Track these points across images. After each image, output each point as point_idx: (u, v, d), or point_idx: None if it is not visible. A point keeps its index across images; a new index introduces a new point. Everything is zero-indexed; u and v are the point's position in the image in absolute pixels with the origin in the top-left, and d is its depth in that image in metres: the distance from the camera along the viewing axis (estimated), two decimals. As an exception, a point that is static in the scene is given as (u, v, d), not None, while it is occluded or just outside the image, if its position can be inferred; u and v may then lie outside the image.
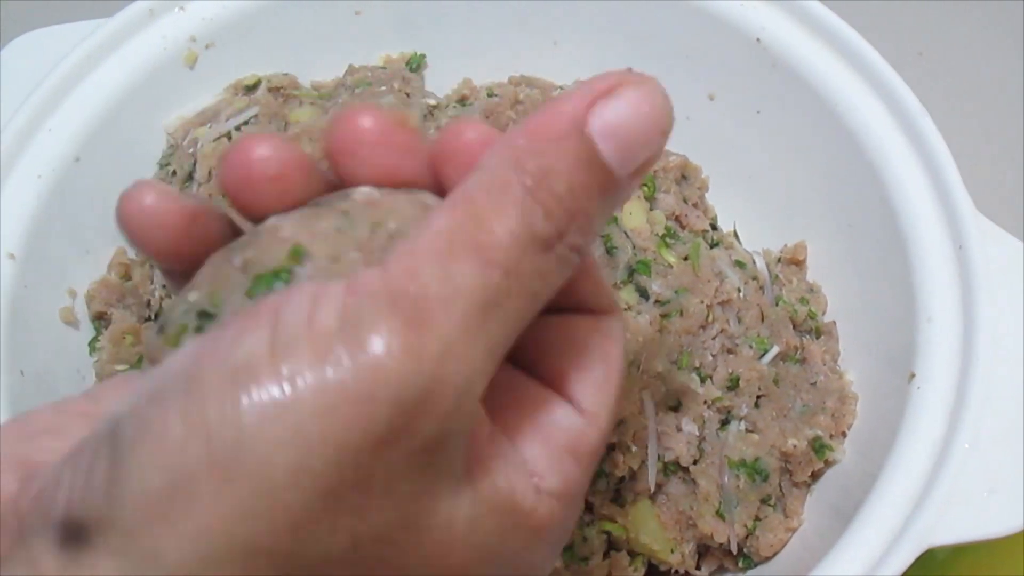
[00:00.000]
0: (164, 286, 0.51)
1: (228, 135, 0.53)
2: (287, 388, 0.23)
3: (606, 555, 0.47)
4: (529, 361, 0.30)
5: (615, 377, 0.30)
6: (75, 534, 0.24)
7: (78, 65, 0.52)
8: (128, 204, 0.29)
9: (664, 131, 0.27)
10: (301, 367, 0.23)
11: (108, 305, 0.52)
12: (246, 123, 0.53)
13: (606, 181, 0.27)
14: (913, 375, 0.45)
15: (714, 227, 0.55)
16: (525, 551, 0.28)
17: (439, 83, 0.59)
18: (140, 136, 0.54)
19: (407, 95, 0.54)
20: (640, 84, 0.27)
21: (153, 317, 0.52)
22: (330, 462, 0.23)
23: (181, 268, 0.30)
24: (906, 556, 0.40)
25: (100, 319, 0.52)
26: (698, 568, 0.49)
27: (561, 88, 0.57)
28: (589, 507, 0.46)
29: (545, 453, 0.28)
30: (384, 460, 0.24)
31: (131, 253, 0.54)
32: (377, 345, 0.23)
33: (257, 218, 0.29)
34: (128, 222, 0.29)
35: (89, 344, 0.52)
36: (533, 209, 0.25)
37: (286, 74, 0.57)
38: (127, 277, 0.53)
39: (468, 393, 0.25)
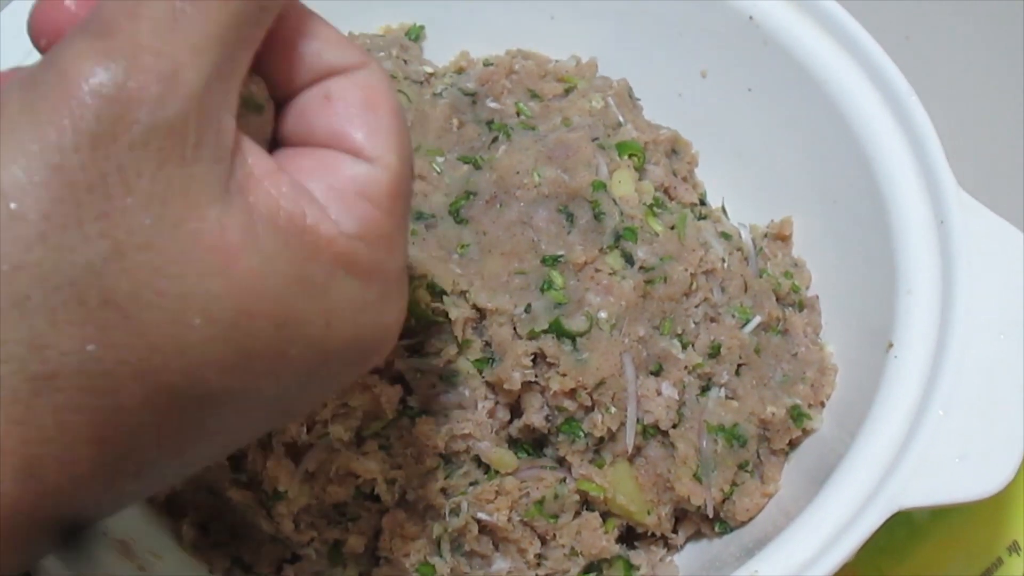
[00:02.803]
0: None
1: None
2: None
3: (578, 515, 0.47)
4: (303, 138, 0.31)
5: (389, 120, 0.31)
6: None
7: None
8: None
9: None
10: (7, 103, 0.26)
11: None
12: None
13: None
14: (891, 344, 0.45)
15: (703, 202, 0.56)
16: (337, 283, 0.29)
17: (437, 55, 0.59)
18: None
19: (405, 62, 0.55)
20: None
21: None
22: (51, 168, 0.25)
23: None
24: (877, 517, 0.41)
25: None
26: (675, 533, 0.49)
27: (556, 62, 0.58)
28: (566, 466, 0.47)
29: (333, 197, 0.29)
30: (108, 155, 0.25)
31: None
32: (67, 55, 0.25)
33: None
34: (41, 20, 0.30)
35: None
36: None
37: (286, 39, 0.57)
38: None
39: (178, 81, 0.26)
